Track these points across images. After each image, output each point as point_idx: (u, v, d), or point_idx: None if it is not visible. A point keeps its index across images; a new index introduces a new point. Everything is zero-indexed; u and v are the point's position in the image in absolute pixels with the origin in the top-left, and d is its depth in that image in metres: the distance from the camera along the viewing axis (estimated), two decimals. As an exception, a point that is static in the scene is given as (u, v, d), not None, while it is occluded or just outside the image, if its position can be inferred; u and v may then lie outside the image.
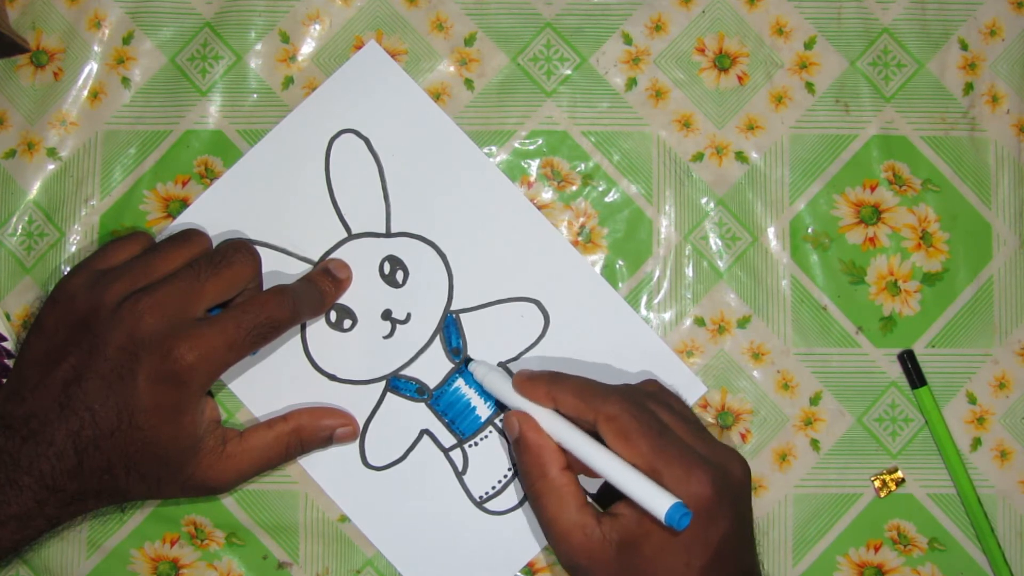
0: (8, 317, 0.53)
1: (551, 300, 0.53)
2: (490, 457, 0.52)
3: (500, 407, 0.52)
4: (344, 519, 0.52)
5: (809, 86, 0.54)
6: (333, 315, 0.52)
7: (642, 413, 0.44)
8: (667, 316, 0.53)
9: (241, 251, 0.47)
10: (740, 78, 0.54)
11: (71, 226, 0.54)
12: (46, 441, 0.43)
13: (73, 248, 0.53)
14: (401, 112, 0.53)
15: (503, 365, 0.52)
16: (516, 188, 0.53)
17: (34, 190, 0.54)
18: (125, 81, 0.54)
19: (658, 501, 0.40)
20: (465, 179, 0.53)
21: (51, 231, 0.54)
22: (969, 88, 0.54)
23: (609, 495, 0.48)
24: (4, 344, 0.52)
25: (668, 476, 0.42)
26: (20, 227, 0.54)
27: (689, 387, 0.52)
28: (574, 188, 0.54)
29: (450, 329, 0.53)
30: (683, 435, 0.44)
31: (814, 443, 0.53)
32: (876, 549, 0.53)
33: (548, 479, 0.44)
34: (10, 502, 0.42)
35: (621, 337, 0.53)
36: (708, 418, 0.53)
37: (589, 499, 0.45)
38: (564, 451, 0.45)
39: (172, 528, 0.53)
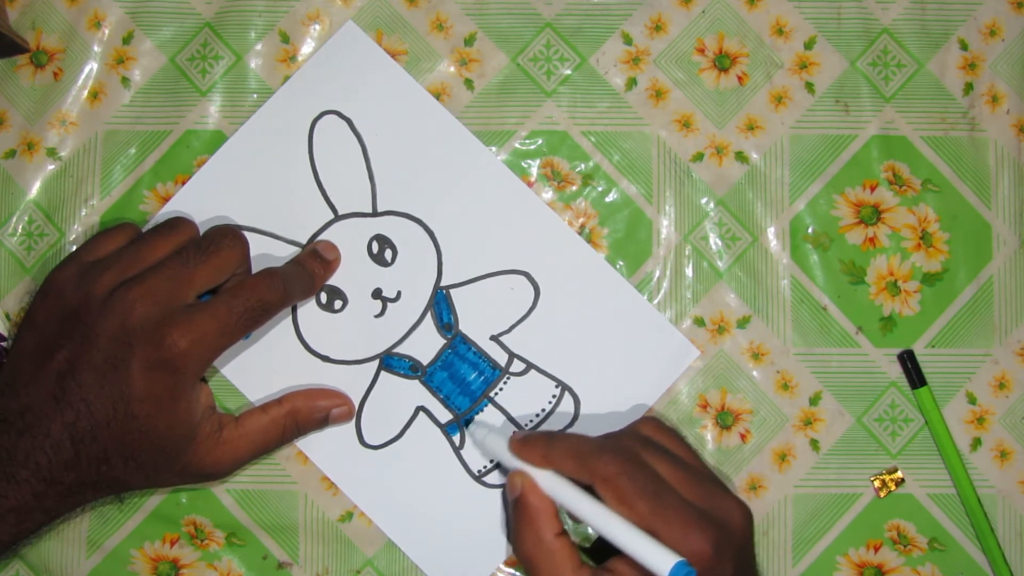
0: (8, 317, 0.53)
1: (540, 271, 0.53)
2: None
3: (499, 467, 0.52)
4: (344, 519, 0.52)
5: (809, 86, 0.54)
6: (323, 296, 0.53)
7: (638, 472, 0.43)
8: (667, 316, 0.53)
9: (228, 236, 0.47)
10: (740, 78, 0.54)
11: (71, 226, 0.54)
12: (42, 434, 0.43)
13: (73, 248, 0.53)
14: (381, 91, 0.54)
15: (495, 339, 0.52)
16: (496, 158, 0.53)
17: (34, 190, 0.54)
18: (125, 81, 0.54)
19: (660, 561, 0.40)
20: (447, 153, 0.53)
21: (51, 231, 0.54)
22: (969, 88, 0.54)
23: (605, 549, 0.48)
24: (3, 345, 0.52)
25: (666, 536, 0.41)
26: (20, 227, 0.54)
27: (680, 352, 0.53)
28: (574, 188, 0.54)
29: (441, 305, 0.53)
30: (682, 488, 0.43)
31: (814, 443, 0.53)
32: (876, 549, 0.53)
33: (543, 544, 0.44)
34: (7, 496, 0.42)
35: (612, 304, 0.53)
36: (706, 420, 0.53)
37: (584, 557, 0.45)
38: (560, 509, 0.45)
39: (172, 528, 0.53)
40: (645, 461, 0.44)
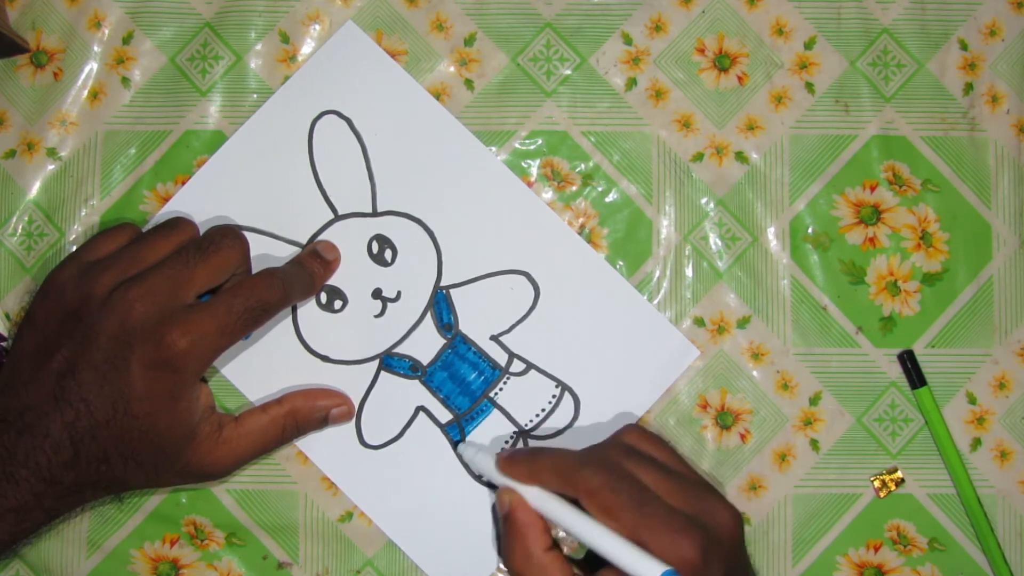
0: (8, 317, 0.53)
1: (540, 271, 0.53)
2: (486, 431, 0.52)
3: (489, 485, 0.52)
4: (344, 519, 0.53)
5: (809, 86, 0.54)
6: (323, 296, 0.53)
7: (621, 482, 0.43)
8: (667, 316, 0.53)
9: (228, 236, 0.47)
10: (740, 78, 0.54)
11: (71, 226, 0.54)
12: (42, 433, 0.43)
13: (73, 248, 0.53)
14: (381, 90, 0.54)
15: (495, 339, 0.52)
16: (496, 158, 0.53)
17: (34, 190, 0.54)
18: (125, 81, 0.54)
19: (648, 570, 0.41)
20: (447, 153, 0.53)
21: (51, 231, 0.54)
22: (969, 88, 0.54)
23: (598, 559, 0.48)
24: (3, 344, 0.52)
25: (653, 545, 0.41)
26: (20, 227, 0.54)
27: (680, 352, 0.53)
28: (574, 188, 0.54)
29: (441, 305, 0.53)
30: (667, 495, 0.43)
31: (814, 443, 0.53)
32: (876, 549, 0.53)
33: (534, 559, 0.44)
34: (7, 495, 0.42)
35: (612, 304, 0.53)
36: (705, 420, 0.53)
37: (576, 570, 0.45)
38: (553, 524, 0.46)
39: (172, 528, 0.53)
40: (628, 471, 0.44)
